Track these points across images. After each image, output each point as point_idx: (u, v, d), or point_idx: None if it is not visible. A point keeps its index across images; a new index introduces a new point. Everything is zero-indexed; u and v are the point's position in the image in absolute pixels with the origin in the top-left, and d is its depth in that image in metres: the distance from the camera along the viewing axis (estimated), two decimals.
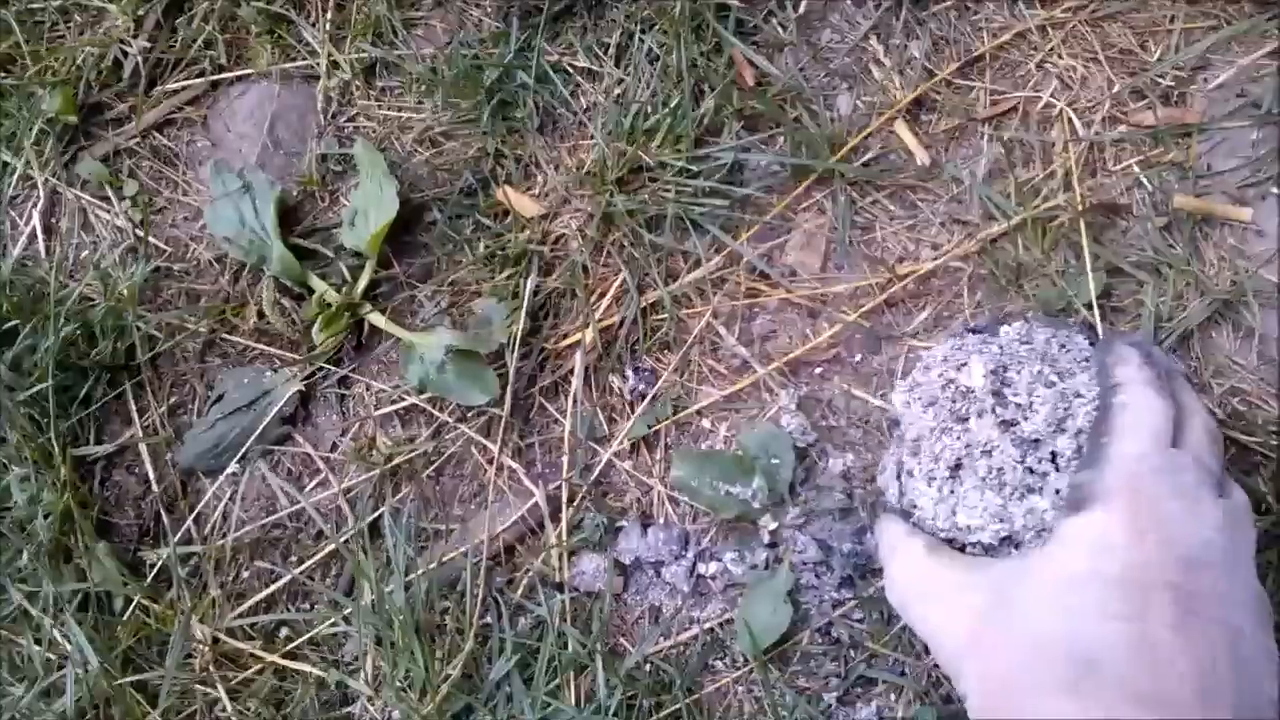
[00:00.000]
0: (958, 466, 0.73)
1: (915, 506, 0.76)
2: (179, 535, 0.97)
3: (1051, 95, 0.95)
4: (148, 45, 1.06)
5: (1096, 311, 0.89)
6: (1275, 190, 0.91)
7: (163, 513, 0.99)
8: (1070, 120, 0.95)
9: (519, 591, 0.93)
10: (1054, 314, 0.91)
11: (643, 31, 0.99)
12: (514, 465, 0.95)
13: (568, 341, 0.96)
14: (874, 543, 0.85)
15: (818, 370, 0.95)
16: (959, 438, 0.73)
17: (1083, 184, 0.93)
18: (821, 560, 0.89)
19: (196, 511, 0.98)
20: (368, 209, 0.96)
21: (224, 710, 0.93)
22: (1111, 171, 0.94)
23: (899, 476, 0.78)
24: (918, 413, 0.77)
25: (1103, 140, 0.93)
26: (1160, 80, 0.94)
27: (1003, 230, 0.93)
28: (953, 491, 0.73)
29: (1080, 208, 0.92)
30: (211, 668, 0.93)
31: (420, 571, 0.92)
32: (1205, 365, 0.89)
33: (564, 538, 0.93)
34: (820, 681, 0.88)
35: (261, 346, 1.02)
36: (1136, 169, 0.93)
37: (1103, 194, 0.93)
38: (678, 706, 0.88)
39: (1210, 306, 0.89)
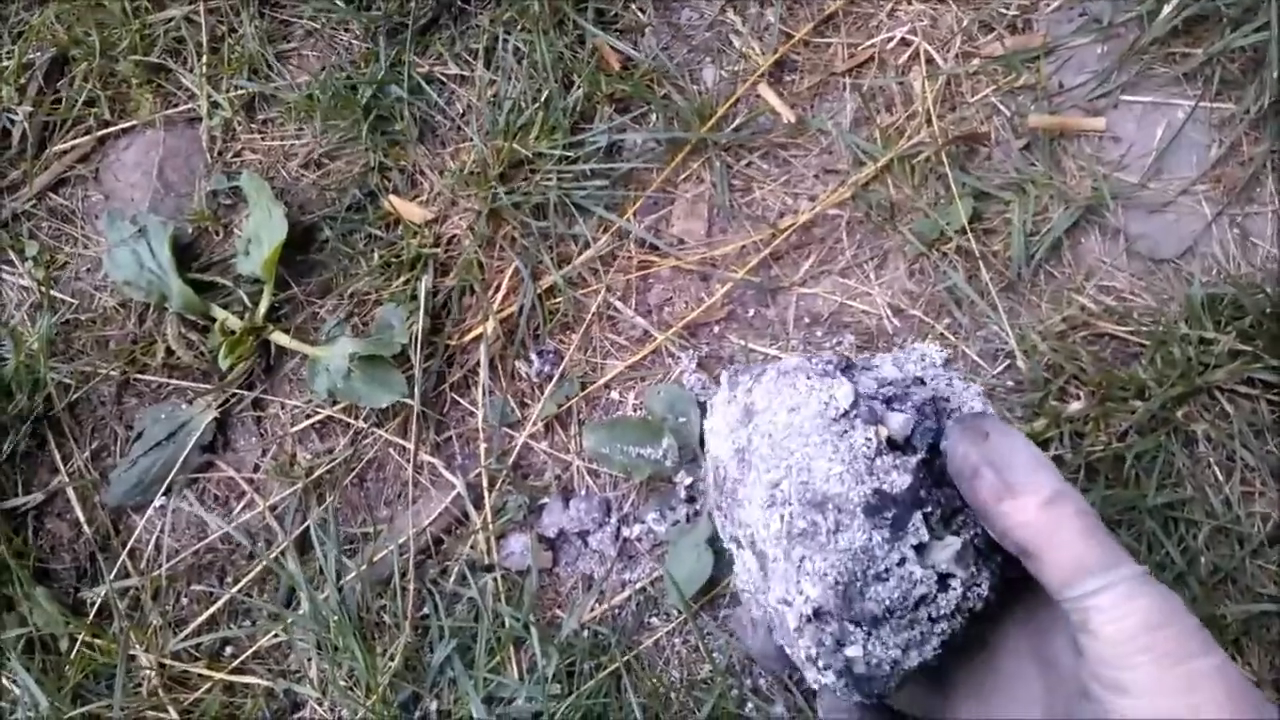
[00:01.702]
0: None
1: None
2: (115, 571, 0.99)
3: (907, 33, 0.99)
4: (32, 110, 1.09)
5: (970, 236, 0.93)
6: (1125, 97, 0.95)
7: (97, 553, 1.00)
8: (927, 58, 0.98)
9: (451, 580, 0.95)
10: (928, 245, 0.94)
11: (507, 33, 1.03)
12: (433, 460, 0.97)
13: (471, 335, 0.99)
14: None
15: (715, 329, 0.98)
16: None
17: (943, 119, 0.97)
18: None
19: (129, 547, 1.00)
20: (259, 235, 0.99)
21: None
22: (970, 103, 0.97)
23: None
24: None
25: (958, 74, 0.97)
26: (1005, 11, 0.99)
27: (873, 173, 0.97)
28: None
29: (942, 141, 0.95)
30: (161, 692, 0.95)
31: (353, 574, 0.94)
32: (1077, 269, 0.92)
33: (489, 522, 0.95)
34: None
35: (174, 381, 1.04)
36: (993, 97, 0.97)
37: (963, 126, 0.97)
38: (616, 666, 0.90)
39: (1074, 214, 0.92)
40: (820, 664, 0.59)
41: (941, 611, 0.58)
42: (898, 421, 0.59)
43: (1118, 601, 0.52)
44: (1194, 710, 0.49)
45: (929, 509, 0.58)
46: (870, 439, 0.58)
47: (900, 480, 0.58)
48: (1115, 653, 0.52)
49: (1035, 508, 0.55)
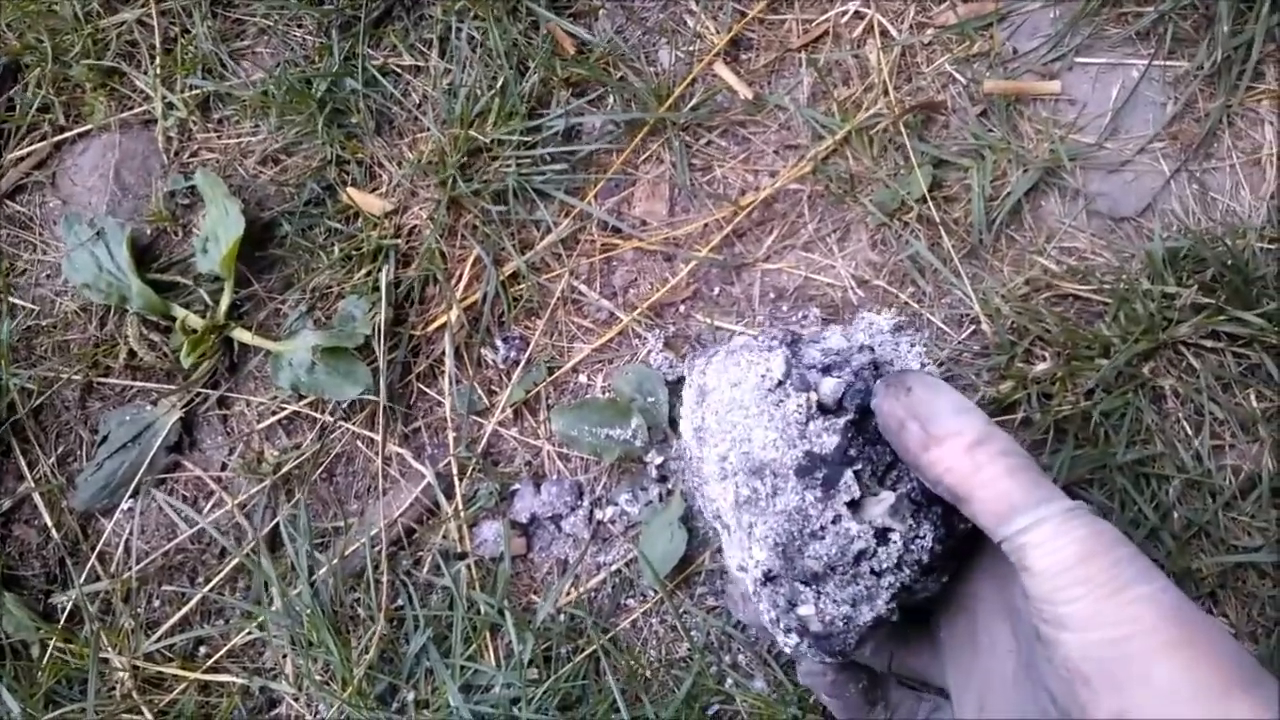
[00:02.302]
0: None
1: None
2: (85, 575, 0.98)
3: (860, 6, 0.99)
4: None
5: (930, 204, 0.93)
6: (1079, 59, 0.95)
7: (66, 557, 1.00)
8: (881, 29, 0.98)
9: (425, 569, 0.94)
10: (889, 215, 0.94)
11: (460, 22, 1.02)
12: (401, 451, 0.97)
13: (435, 325, 0.99)
14: None
15: (680, 309, 0.98)
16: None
17: (900, 90, 0.97)
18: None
19: (99, 550, 1.00)
20: (217, 232, 0.98)
21: None
22: (925, 73, 0.97)
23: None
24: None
25: (913, 44, 0.97)
26: None
27: (832, 147, 0.96)
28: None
29: (899, 111, 0.95)
30: (135, 694, 0.94)
31: (325, 569, 0.94)
32: (1038, 232, 0.92)
33: (460, 510, 0.95)
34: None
35: (138, 384, 1.03)
36: (948, 66, 0.97)
37: (920, 95, 0.97)
38: (593, 648, 0.89)
39: (1033, 177, 0.92)
40: (781, 625, 0.62)
41: (884, 565, 0.60)
42: (828, 386, 0.62)
43: (1049, 536, 0.53)
44: (1127, 640, 0.50)
45: (860, 466, 0.61)
46: (801, 405, 0.62)
47: (829, 441, 0.60)
48: (1053, 586, 0.52)
49: (960, 452, 0.56)
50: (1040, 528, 0.53)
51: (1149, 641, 0.49)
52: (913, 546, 0.60)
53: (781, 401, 0.62)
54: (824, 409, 0.62)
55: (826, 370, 0.64)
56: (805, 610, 0.61)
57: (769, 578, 0.61)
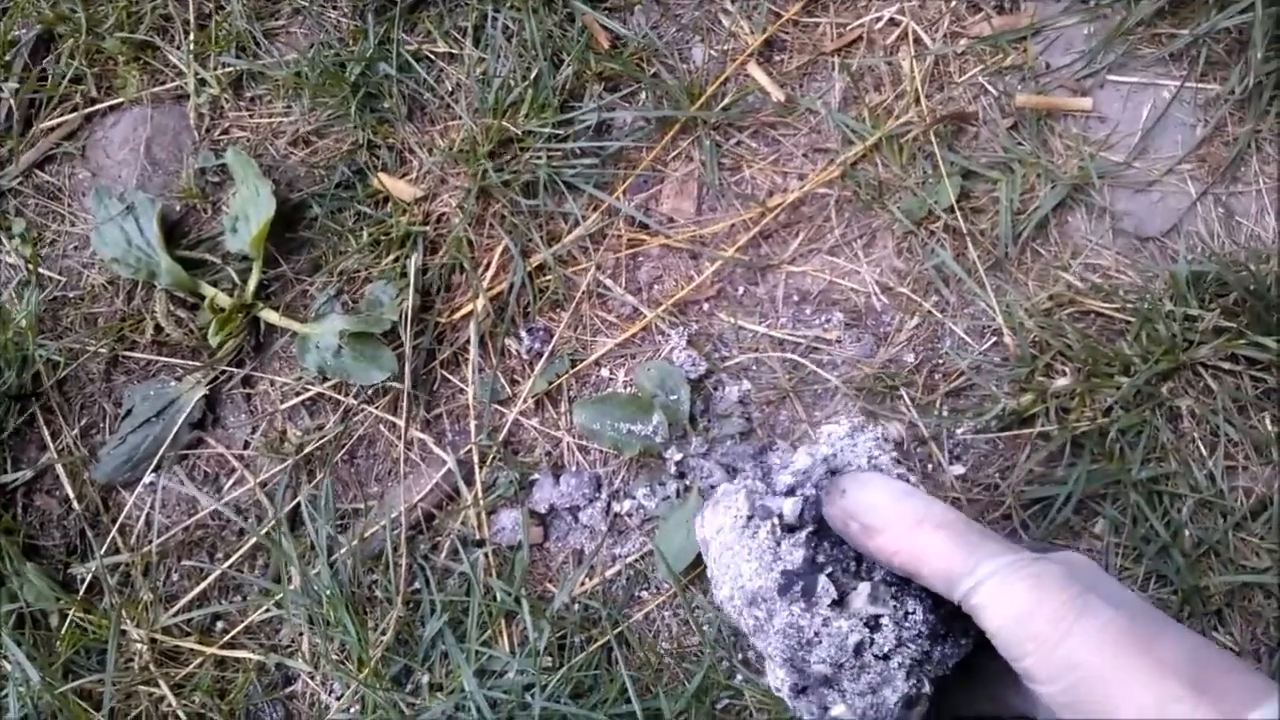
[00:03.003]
0: None
1: None
2: (105, 547, 0.99)
3: (895, 13, 0.99)
4: (18, 87, 1.09)
5: (958, 214, 0.93)
6: (1112, 77, 0.96)
7: (87, 529, 1.01)
8: (915, 37, 0.99)
9: (443, 554, 0.95)
10: (916, 223, 0.95)
11: (496, 10, 1.03)
12: (423, 437, 0.98)
13: (461, 313, 0.99)
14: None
15: (704, 307, 0.98)
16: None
17: (931, 99, 0.97)
18: (728, 481, 0.92)
19: (119, 523, 1.01)
20: (247, 212, 0.99)
21: (169, 705, 0.95)
22: (957, 83, 0.98)
23: None
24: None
25: (946, 54, 0.98)
26: None
27: (861, 152, 0.97)
28: None
29: (930, 120, 0.96)
30: (152, 667, 0.95)
31: (344, 550, 0.95)
32: (1064, 247, 0.93)
33: (480, 498, 0.96)
34: None
35: (163, 359, 1.04)
36: (980, 77, 0.98)
37: (951, 105, 0.97)
38: (607, 639, 0.91)
39: (1061, 193, 0.93)
40: None
41: (886, 648, 0.63)
42: (789, 507, 0.67)
43: (993, 595, 0.55)
44: (1083, 682, 0.52)
45: (830, 569, 0.65)
46: (770, 531, 0.66)
47: (797, 555, 0.65)
48: (1006, 644, 0.55)
49: (902, 534, 0.60)
50: (983, 588, 0.55)
51: (1104, 676, 0.52)
52: (906, 624, 0.63)
53: (755, 533, 0.66)
54: (791, 528, 0.66)
55: (790, 492, 0.68)
56: (838, 710, 0.64)
57: (798, 691, 0.65)
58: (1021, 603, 0.54)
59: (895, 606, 0.64)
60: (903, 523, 0.60)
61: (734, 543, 0.67)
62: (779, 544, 0.66)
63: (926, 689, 0.65)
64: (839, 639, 0.63)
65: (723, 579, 0.67)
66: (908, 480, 0.67)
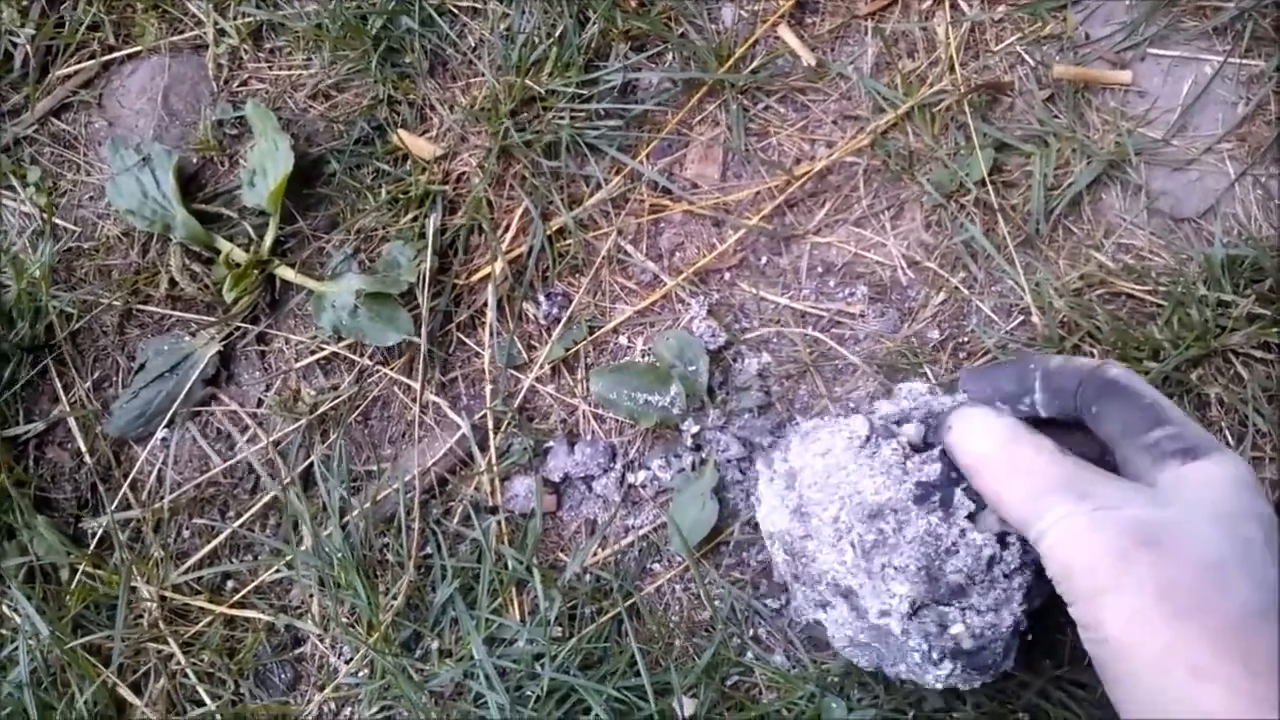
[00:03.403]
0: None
1: None
2: (116, 502, 0.99)
3: None
4: (34, 33, 1.07)
5: (989, 188, 0.91)
6: (1153, 50, 0.93)
7: (98, 483, 1.00)
8: (952, 3, 0.96)
9: (455, 520, 0.95)
10: (946, 196, 0.93)
11: None
12: (438, 400, 0.97)
13: (479, 275, 0.98)
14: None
15: (726, 277, 0.97)
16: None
17: (966, 67, 0.95)
18: (744, 455, 0.91)
19: (131, 478, 1.00)
20: (265, 166, 0.97)
21: (178, 663, 0.95)
22: (993, 51, 0.95)
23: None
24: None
25: (983, 21, 0.95)
26: None
27: (892, 121, 0.95)
28: None
29: (965, 89, 0.93)
30: (161, 624, 0.95)
31: (356, 512, 0.94)
32: (1096, 225, 0.91)
33: (493, 464, 0.95)
34: (752, 570, 0.91)
35: (177, 313, 1.03)
36: (1018, 46, 0.95)
37: (986, 74, 0.95)
38: (617, 610, 0.90)
39: (1096, 169, 0.91)
40: (934, 657, 0.69)
41: (1012, 566, 0.67)
42: (911, 430, 0.72)
43: (1049, 548, 0.61)
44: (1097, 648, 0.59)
45: (964, 485, 0.69)
46: (896, 448, 0.70)
47: (932, 469, 0.69)
48: (1061, 591, 0.61)
49: (990, 480, 0.66)
50: (1044, 540, 0.61)
51: (1117, 652, 0.58)
52: (1028, 546, 0.66)
53: (875, 452, 0.70)
54: (915, 449, 0.71)
55: (897, 424, 0.73)
56: (956, 629, 0.68)
57: (915, 609, 0.68)
58: (1066, 556, 0.60)
59: None
60: (991, 465, 0.66)
61: (849, 462, 0.70)
62: (906, 460, 0.69)
63: (1024, 626, 0.70)
64: (975, 550, 0.67)
65: (829, 500, 0.70)
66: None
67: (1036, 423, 0.70)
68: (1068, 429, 0.70)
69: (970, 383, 0.76)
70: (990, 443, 0.66)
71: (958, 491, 0.68)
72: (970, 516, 0.68)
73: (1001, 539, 0.67)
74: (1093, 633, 0.59)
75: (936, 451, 0.70)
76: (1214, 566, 0.57)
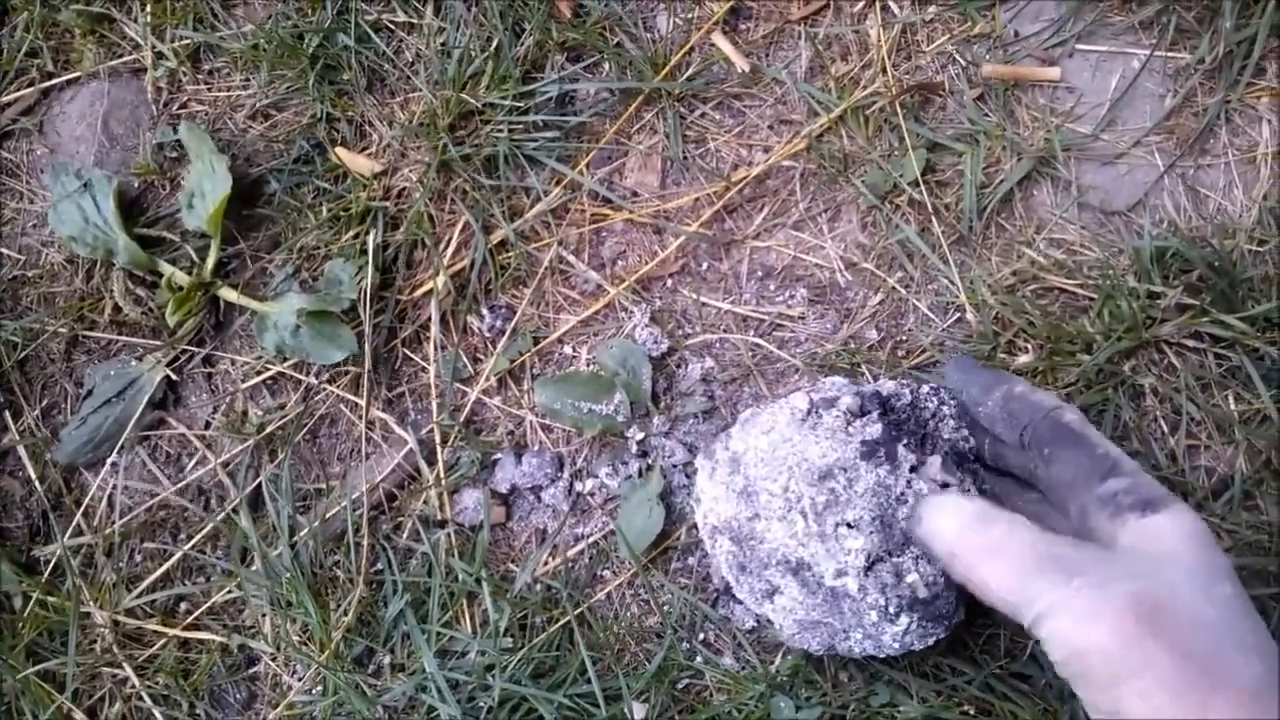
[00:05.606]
0: None
1: None
2: (68, 530, 0.99)
3: None
4: None
5: (922, 188, 0.92)
6: (1081, 46, 0.94)
7: (49, 511, 1.01)
8: (883, 4, 0.97)
9: (405, 535, 0.95)
10: (881, 197, 0.94)
11: None
12: (385, 416, 0.97)
13: (422, 290, 0.99)
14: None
15: (668, 284, 0.98)
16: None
17: (898, 68, 0.96)
18: (690, 460, 0.92)
19: (84, 505, 1.01)
20: (203, 188, 0.98)
21: (133, 686, 0.96)
22: (925, 52, 0.96)
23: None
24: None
25: (914, 22, 0.96)
26: None
27: (827, 124, 0.96)
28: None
29: (897, 90, 0.94)
30: (115, 648, 0.96)
31: (306, 531, 0.95)
32: (1028, 222, 0.92)
33: (441, 477, 0.95)
34: (700, 574, 0.91)
35: (123, 338, 1.03)
36: (949, 46, 0.96)
37: (918, 75, 0.96)
38: (568, 619, 0.91)
39: (1026, 166, 0.92)
40: (891, 610, 0.72)
41: None
42: (849, 400, 0.76)
43: (1049, 633, 0.61)
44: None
45: (906, 440, 0.74)
46: (838, 414, 0.75)
47: (874, 429, 0.73)
48: (1065, 677, 0.62)
49: (967, 568, 0.66)
50: (1041, 625, 0.61)
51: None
52: (971, 493, 0.73)
53: (818, 422, 0.75)
54: (853, 414, 0.75)
55: (833, 402, 0.76)
56: (912, 577, 0.71)
57: (872, 562, 0.71)
58: (1074, 644, 0.59)
59: (961, 478, 0.75)
60: (967, 548, 0.66)
61: (793, 434, 0.74)
62: (848, 426, 0.74)
63: None
64: (922, 499, 0.71)
65: (776, 473, 0.73)
66: (968, 490, 0.75)
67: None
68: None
69: (953, 369, 0.81)
70: (962, 525, 0.67)
71: (900, 447, 0.73)
72: (913, 469, 0.73)
73: (944, 487, 0.73)
74: (1109, 717, 0.59)
75: (875, 414, 0.75)
76: (1207, 628, 0.59)
